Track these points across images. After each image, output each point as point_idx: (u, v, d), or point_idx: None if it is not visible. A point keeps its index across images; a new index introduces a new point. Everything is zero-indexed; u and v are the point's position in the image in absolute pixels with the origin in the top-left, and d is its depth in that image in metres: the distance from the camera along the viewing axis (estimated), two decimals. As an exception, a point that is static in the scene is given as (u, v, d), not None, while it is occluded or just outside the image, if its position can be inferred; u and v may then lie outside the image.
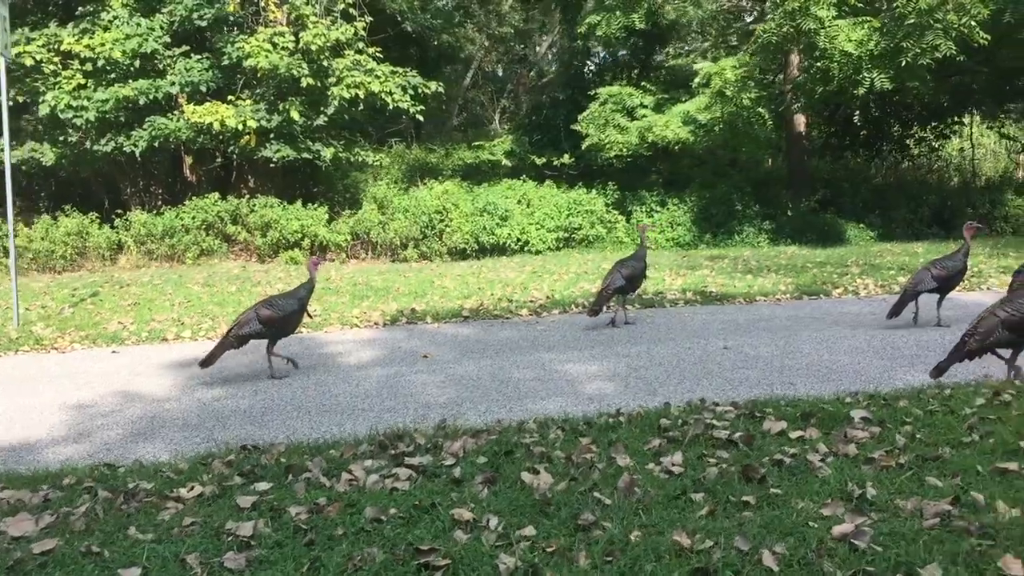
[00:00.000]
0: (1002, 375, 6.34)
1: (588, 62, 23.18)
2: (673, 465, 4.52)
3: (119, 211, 18.20)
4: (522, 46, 37.58)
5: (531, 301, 10.97)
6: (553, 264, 15.25)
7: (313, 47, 17.37)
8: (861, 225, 19.56)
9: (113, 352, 8.81)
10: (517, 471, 4.47)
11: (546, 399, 6.44)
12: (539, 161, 21.49)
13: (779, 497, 4.10)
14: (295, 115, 17.33)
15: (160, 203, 19.03)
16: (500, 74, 39.10)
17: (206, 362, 7.16)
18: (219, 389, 7.03)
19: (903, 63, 15.21)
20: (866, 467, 4.48)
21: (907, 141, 24.10)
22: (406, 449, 4.89)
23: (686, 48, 27.41)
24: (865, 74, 16.36)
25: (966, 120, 24.28)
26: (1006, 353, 6.29)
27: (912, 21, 14.75)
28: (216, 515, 3.99)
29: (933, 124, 23.78)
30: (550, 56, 36.48)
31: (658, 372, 7.17)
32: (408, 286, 12.71)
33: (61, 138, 17.61)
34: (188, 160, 19.48)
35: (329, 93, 17.60)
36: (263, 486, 4.33)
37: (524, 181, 20.15)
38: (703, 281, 12.43)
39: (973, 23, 14.53)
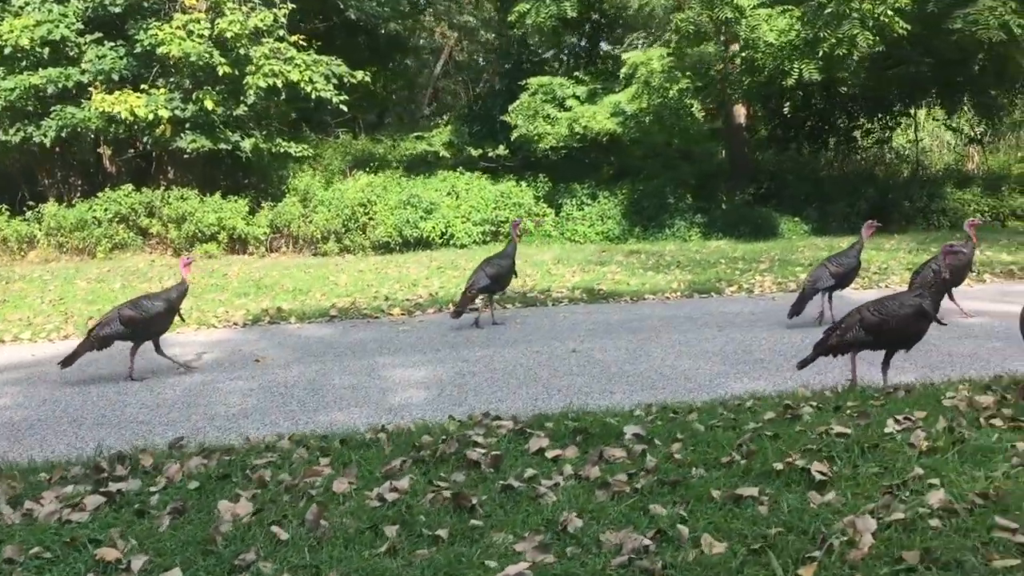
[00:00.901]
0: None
1: (524, 51, 22.67)
2: (392, 491, 4.14)
3: (31, 203, 17.73)
4: (493, 35, 37.00)
5: (408, 300, 10.59)
6: (465, 259, 14.84)
7: (228, 35, 16.90)
8: (796, 219, 19.20)
9: (-61, 355, 8.40)
10: (218, 499, 4.08)
11: (344, 410, 6.05)
12: (475, 152, 21.10)
13: (477, 530, 3.74)
14: (210, 104, 16.87)
15: (79, 195, 18.55)
16: (481, 63, 38.49)
17: (66, 362, 6.96)
18: (7, 399, 6.61)
19: (820, 53, 14.83)
20: (600, 492, 4.11)
21: (854, 133, 23.74)
22: (123, 472, 4.50)
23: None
24: (794, 65, 15.99)
25: (918, 112, 23.98)
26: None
27: (830, 10, 14.36)
28: None
29: (880, 116, 23.42)
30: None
31: (483, 379, 6.80)
32: (299, 282, 12.32)
33: (-30, 127, 17.07)
34: (107, 151, 18.99)
35: (245, 82, 17.12)
36: (-75, 518, 3.94)
37: (461, 173, 19.69)
38: (601, 278, 12.07)
39: (890, 12, 14.11)
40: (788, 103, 22.51)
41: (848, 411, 5.25)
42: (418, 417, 5.66)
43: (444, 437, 4.95)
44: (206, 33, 16.93)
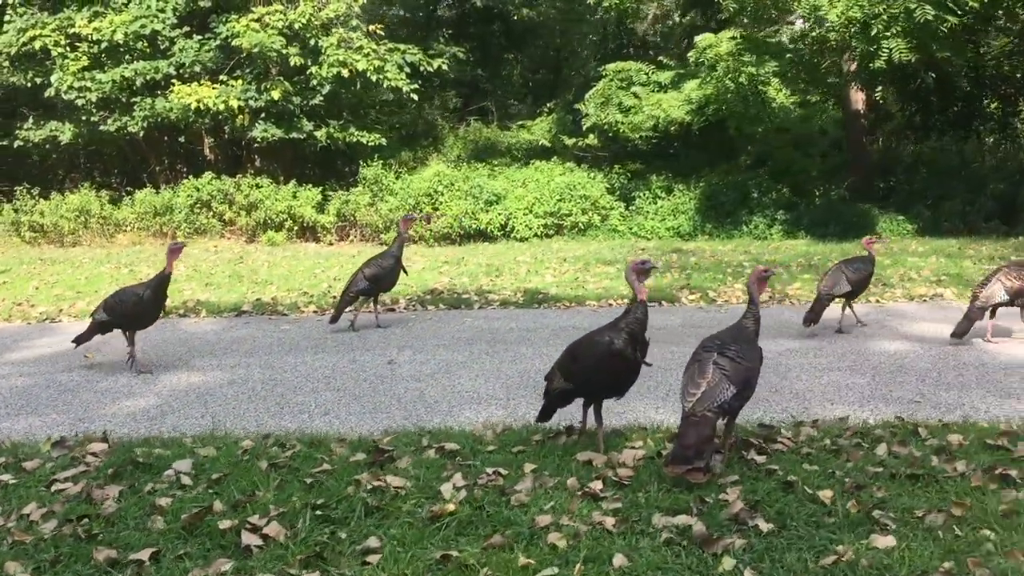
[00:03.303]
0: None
1: (625, 35, 21.65)
2: None
3: (128, 188, 18.95)
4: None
5: (335, 298, 10.25)
6: (491, 255, 14.41)
7: (297, 25, 17.25)
8: (902, 217, 17.16)
9: None
10: None
11: (43, 416, 5.82)
12: (568, 141, 20.41)
13: None
14: (276, 94, 17.29)
15: (186, 180, 19.59)
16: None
17: (78, 340, 7.24)
18: None
19: (874, 32, 13.04)
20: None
21: (1011, 120, 20.92)
22: None
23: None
24: (880, 44, 14.19)
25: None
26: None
27: (884, -17, 12.62)
28: None
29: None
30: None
31: (236, 390, 6.40)
32: (282, 273, 12.35)
33: (83, 118, 18.34)
34: (208, 140, 19.97)
35: (309, 73, 17.42)
36: None
37: (554, 164, 19.06)
38: (574, 280, 11.26)
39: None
40: (920, 86, 20.10)
41: (461, 459, 4.51)
42: (94, 428, 5.40)
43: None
44: (279, 24, 17.33)
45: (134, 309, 7.07)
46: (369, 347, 7.85)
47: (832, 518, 3.71)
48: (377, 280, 8.58)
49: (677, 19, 21.13)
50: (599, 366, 4.61)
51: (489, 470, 4.29)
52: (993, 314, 7.48)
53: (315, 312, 9.73)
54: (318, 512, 3.85)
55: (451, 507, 3.85)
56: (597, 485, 4.09)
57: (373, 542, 3.56)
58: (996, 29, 18.82)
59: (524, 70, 29.36)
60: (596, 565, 3.37)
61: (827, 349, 7.36)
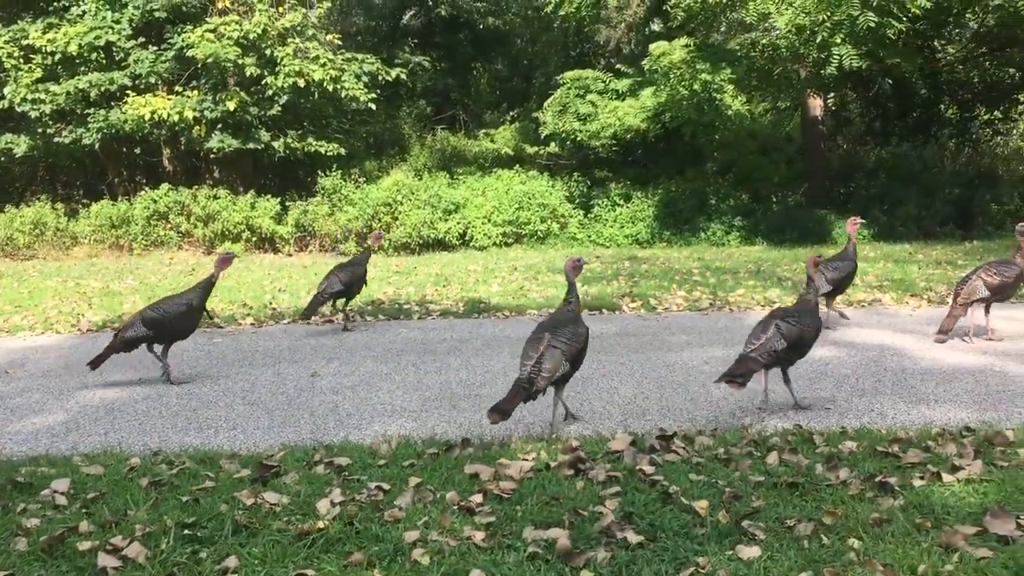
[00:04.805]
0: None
1: (585, 43, 21.68)
2: None
3: (84, 201, 18.80)
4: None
5: (275, 308, 10.22)
6: (433, 265, 14.36)
7: (252, 35, 17.17)
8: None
9: None
10: None
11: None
12: (531, 150, 20.42)
13: None
14: (231, 105, 17.19)
15: (144, 191, 19.45)
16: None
17: (93, 363, 6.87)
18: None
19: (819, 39, 13.10)
20: None
21: (968, 125, 21.09)
22: None
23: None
24: (831, 51, 14.25)
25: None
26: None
27: (827, -10, 12.67)
28: None
29: (1004, 105, 20.71)
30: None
31: (144, 407, 6.30)
32: (222, 286, 12.13)
33: (39, 130, 18.21)
34: (166, 151, 19.84)
35: (265, 83, 17.33)
36: None
37: (514, 171, 19.07)
38: (518, 288, 11.23)
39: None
40: (878, 93, 20.24)
41: (349, 473, 4.45)
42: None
43: None
44: (235, 35, 17.24)
45: (183, 321, 6.89)
46: (297, 359, 7.78)
47: (703, 529, 3.67)
48: (350, 286, 8.75)
49: (650, 28, 21.11)
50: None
51: (372, 485, 4.23)
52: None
53: (252, 325, 9.62)
54: (186, 531, 3.78)
55: (321, 524, 3.78)
56: (477, 498, 4.03)
57: (232, 562, 3.49)
58: (949, 35, 19.02)
59: (494, 79, 29.32)
60: (452, 581, 3.32)
61: (753, 356, 7.32)
